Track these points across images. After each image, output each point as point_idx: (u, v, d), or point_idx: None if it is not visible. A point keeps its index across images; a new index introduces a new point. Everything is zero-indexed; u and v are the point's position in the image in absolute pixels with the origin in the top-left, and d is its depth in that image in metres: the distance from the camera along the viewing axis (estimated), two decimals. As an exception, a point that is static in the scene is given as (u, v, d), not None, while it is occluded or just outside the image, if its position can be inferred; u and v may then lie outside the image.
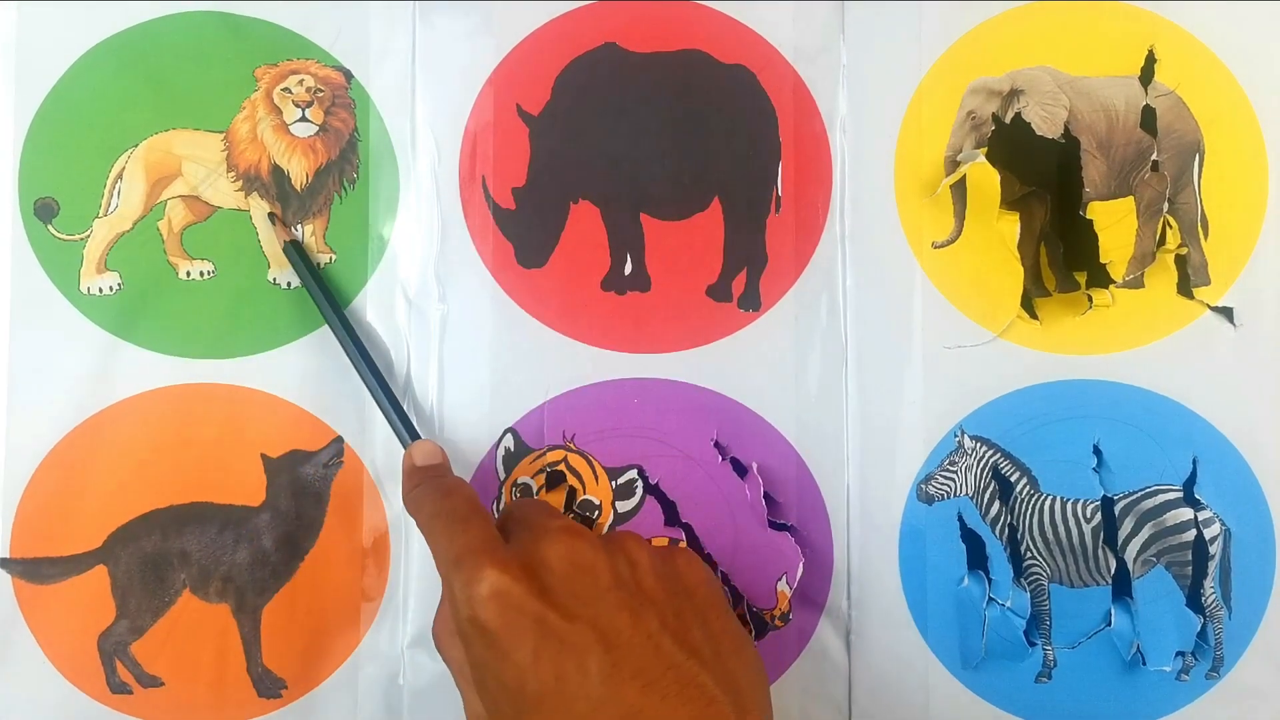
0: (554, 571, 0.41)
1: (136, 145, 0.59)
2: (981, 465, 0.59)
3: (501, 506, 0.58)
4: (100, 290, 0.58)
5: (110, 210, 0.59)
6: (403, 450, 0.54)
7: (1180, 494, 0.58)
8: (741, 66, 0.60)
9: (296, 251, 0.58)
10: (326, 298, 0.57)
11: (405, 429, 0.55)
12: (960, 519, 0.58)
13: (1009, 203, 0.59)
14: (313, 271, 0.57)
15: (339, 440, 0.58)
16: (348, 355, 0.56)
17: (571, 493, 0.58)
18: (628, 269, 0.59)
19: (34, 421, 0.58)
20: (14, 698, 0.57)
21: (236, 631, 0.58)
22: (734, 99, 0.60)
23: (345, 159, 0.59)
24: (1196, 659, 0.58)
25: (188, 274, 0.59)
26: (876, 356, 0.59)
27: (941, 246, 0.59)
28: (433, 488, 0.48)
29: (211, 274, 0.59)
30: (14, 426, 0.58)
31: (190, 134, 0.59)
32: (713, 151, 0.60)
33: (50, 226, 0.59)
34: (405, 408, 0.57)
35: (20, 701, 0.57)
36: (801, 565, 0.57)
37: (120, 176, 0.59)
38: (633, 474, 0.58)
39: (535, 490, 0.58)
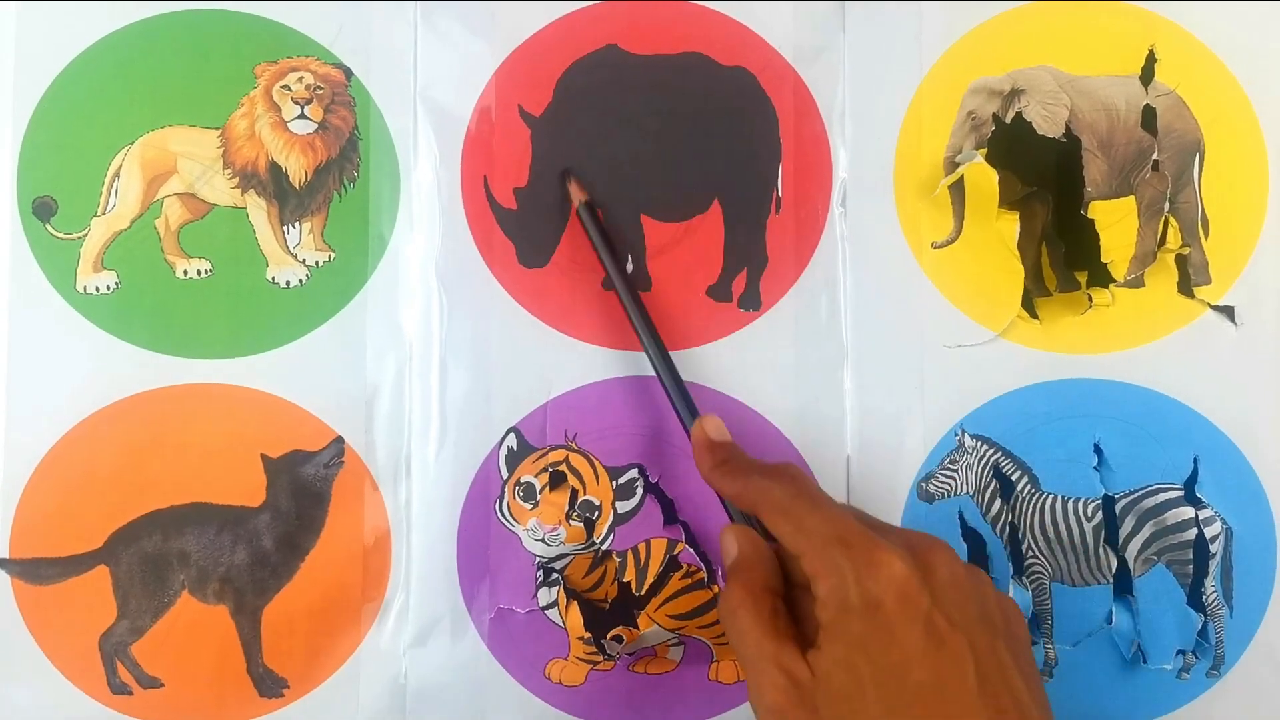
0: (938, 578, 0.41)
1: (133, 142, 0.59)
2: (982, 464, 0.59)
3: (505, 506, 0.58)
4: (97, 289, 0.58)
5: (109, 209, 0.58)
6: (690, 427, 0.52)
7: (1181, 493, 0.58)
8: (742, 69, 0.60)
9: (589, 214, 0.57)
10: (617, 269, 0.56)
11: (686, 404, 0.53)
12: (961, 518, 0.59)
13: (1010, 202, 0.59)
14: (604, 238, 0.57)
15: (339, 440, 0.58)
16: (631, 321, 0.55)
17: (573, 493, 0.58)
18: (629, 269, 0.59)
19: (33, 421, 0.58)
20: (14, 698, 0.57)
21: (236, 632, 0.58)
22: (734, 101, 0.60)
23: (345, 157, 0.59)
24: (1197, 657, 0.58)
25: (185, 273, 0.59)
26: (876, 356, 0.59)
27: (941, 247, 0.59)
28: (774, 472, 0.46)
29: (209, 273, 0.59)
30: (12, 426, 0.58)
31: (185, 130, 0.59)
32: (713, 153, 0.60)
33: (49, 225, 0.58)
34: (408, 406, 0.57)
35: (20, 702, 0.57)
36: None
37: (118, 174, 0.59)
38: (633, 474, 0.58)
39: (539, 489, 0.58)
